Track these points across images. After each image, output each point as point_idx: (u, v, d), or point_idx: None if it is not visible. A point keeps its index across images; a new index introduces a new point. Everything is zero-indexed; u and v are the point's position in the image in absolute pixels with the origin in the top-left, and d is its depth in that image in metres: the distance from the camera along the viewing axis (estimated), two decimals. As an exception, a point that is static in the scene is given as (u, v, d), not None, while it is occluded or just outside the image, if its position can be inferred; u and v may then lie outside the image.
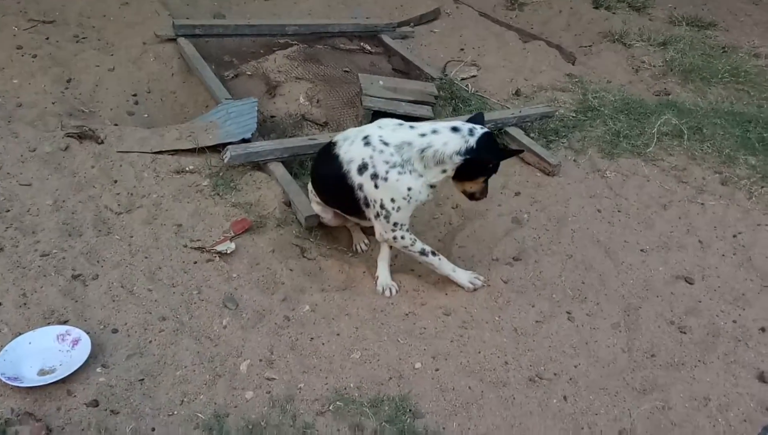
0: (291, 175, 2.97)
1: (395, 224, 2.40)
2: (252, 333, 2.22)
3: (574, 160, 3.49)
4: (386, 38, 4.46)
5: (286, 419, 1.94)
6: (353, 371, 2.15)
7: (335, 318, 2.36)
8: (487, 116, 3.48)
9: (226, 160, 2.91)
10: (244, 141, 3.04)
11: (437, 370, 2.20)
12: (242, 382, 2.04)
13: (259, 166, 3.01)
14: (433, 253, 2.52)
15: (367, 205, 2.41)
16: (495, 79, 4.24)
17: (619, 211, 3.14)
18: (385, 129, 2.40)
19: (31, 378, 1.91)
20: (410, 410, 2.03)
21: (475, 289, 2.54)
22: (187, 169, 2.92)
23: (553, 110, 3.76)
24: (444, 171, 2.36)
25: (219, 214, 2.70)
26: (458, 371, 2.21)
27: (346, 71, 3.90)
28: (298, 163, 3.10)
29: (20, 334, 2.03)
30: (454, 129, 2.34)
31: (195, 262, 2.45)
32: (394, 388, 2.11)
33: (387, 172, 2.32)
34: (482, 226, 2.96)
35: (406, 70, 4.17)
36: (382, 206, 2.36)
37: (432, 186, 2.41)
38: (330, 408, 2.00)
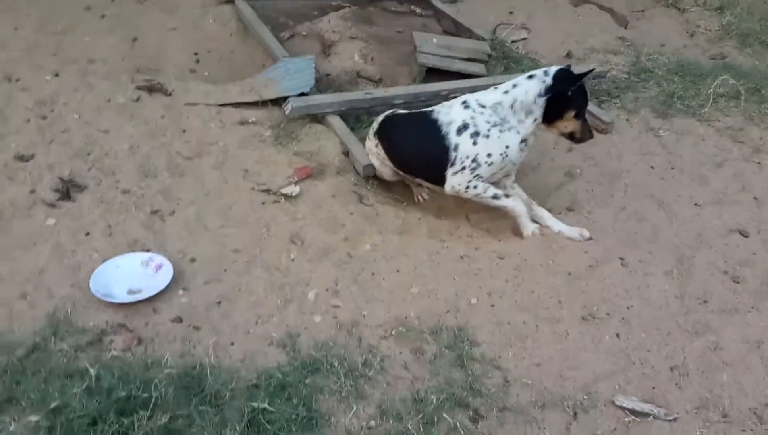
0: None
1: (476, 177, 2.51)
2: (318, 266, 2.35)
3: (627, 120, 3.49)
4: (435, 1, 4.50)
5: (353, 341, 2.07)
6: (413, 303, 2.26)
7: (394, 257, 2.46)
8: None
9: (287, 112, 3.03)
10: (303, 95, 3.16)
11: (493, 305, 2.30)
12: (310, 307, 2.18)
13: (318, 119, 3.13)
14: (506, 196, 2.60)
15: (453, 165, 2.51)
16: (545, 41, 4.24)
17: (672, 168, 3.15)
18: (477, 94, 2.56)
19: (122, 296, 2.08)
20: (468, 339, 2.13)
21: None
22: (250, 120, 3.06)
23: (606, 70, 3.75)
24: (535, 119, 2.50)
25: (282, 161, 2.83)
26: (513, 307, 2.29)
27: (399, 32, 3.97)
28: (354, 117, 3.21)
29: (109, 259, 2.21)
30: (530, 76, 2.50)
31: (263, 203, 2.60)
32: (452, 320, 2.21)
33: (489, 130, 2.47)
34: (535, 178, 3.02)
35: (457, 32, 4.21)
36: (474, 160, 2.47)
37: (523, 141, 2.53)
38: (392, 333, 2.12)
